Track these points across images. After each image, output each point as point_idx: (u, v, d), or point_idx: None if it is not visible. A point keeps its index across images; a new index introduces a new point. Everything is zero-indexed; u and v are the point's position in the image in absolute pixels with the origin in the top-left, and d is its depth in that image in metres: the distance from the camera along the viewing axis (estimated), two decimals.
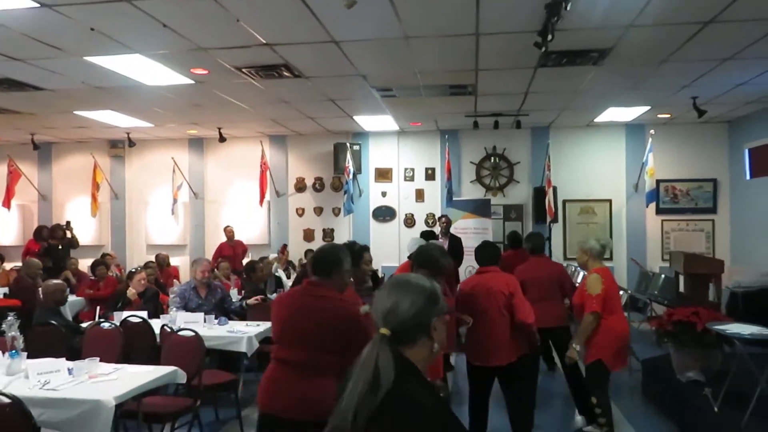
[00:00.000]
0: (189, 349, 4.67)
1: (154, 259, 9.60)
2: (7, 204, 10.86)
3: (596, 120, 9.55)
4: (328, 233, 10.94)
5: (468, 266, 8.93)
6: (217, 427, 5.22)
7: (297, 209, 11.07)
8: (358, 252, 3.68)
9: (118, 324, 5.25)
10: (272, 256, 9.78)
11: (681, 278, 7.25)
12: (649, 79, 6.91)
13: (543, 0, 4.41)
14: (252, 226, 10.98)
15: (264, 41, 5.41)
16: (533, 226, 10.04)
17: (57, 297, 5.54)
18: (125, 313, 5.71)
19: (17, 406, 3.10)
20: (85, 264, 9.68)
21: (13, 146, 11.24)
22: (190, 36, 5.25)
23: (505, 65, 6.35)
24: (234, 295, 7.08)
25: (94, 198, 10.95)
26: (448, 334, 3.01)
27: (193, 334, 4.75)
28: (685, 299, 6.73)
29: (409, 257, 5.82)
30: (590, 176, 10.23)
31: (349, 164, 9.83)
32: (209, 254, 10.25)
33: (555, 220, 9.50)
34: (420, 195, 10.74)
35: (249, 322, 6.13)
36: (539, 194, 9.86)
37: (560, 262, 7.95)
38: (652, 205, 9.69)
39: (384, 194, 10.82)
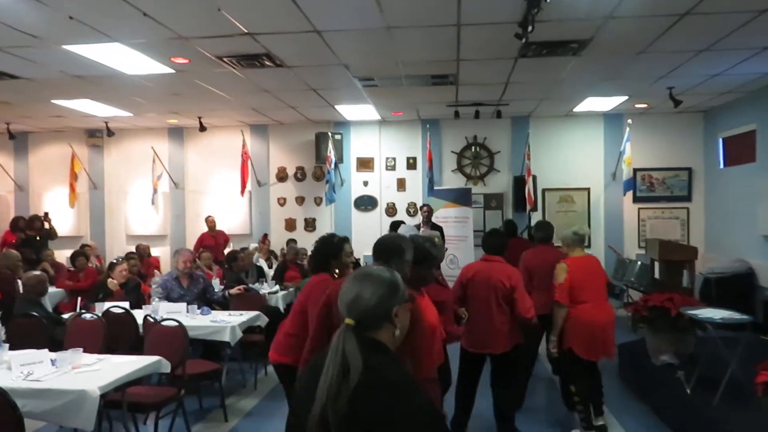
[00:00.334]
0: (172, 338, 4.68)
1: (134, 250, 9.54)
2: None
3: (575, 110, 9.67)
4: (310, 223, 10.96)
5: (450, 254, 9.02)
6: (201, 416, 5.25)
7: (278, 199, 11.06)
8: (337, 244, 3.71)
9: (100, 315, 5.24)
10: (253, 245, 9.78)
11: (656, 265, 7.42)
12: (627, 70, 7.01)
13: None
14: (233, 216, 10.96)
15: (245, 30, 5.39)
16: (513, 214, 10.16)
17: (39, 289, 5.50)
18: (107, 304, 5.69)
19: (2, 396, 3.11)
20: (63, 255, 9.59)
21: None
22: (170, 25, 5.21)
23: (486, 55, 6.41)
24: (216, 285, 7.09)
25: (72, 188, 10.82)
26: (449, 324, 3.06)
27: (176, 323, 4.76)
28: (660, 285, 6.90)
29: None
30: (569, 165, 10.37)
31: (331, 154, 9.83)
32: (190, 244, 10.20)
33: (534, 208, 9.62)
34: (401, 184, 10.80)
35: (232, 312, 6.15)
36: (519, 183, 9.98)
37: None
38: (629, 194, 9.89)
39: (366, 184, 10.85)
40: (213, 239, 10.03)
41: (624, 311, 7.71)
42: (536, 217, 9.77)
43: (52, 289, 7.69)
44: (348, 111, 9.68)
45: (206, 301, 6.33)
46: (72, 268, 8.46)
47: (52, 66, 6.51)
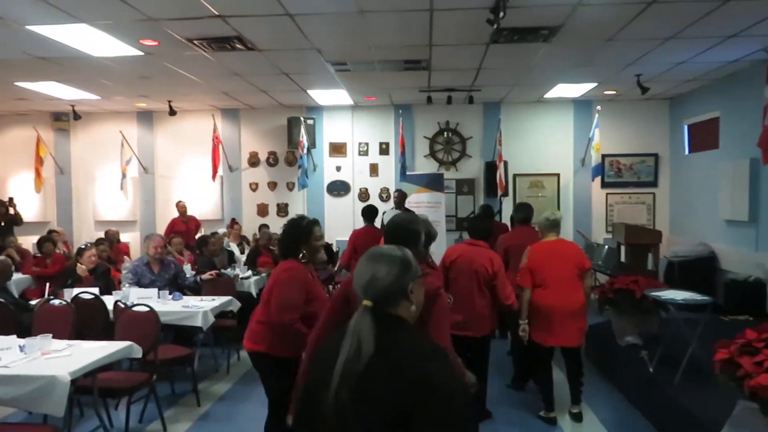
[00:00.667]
0: (144, 323, 4.65)
1: (103, 235, 9.40)
2: None
3: (546, 96, 9.78)
4: (283, 208, 10.92)
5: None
6: (174, 401, 5.25)
7: (250, 184, 10.99)
8: (306, 227, 3.59)
9: (69, 301, 5.18)
10: (222, 230, 9.71)
11: (623, 249, 7.61)
12: (596, 57, 7.12)
13: None
14: (205, 202, 10.86)
15: (216, 12, 5.32)
16: (485, 199, 10.27)
17: (4, 274, 5.41)
18: (76, 290, 5.62)
19: None
20: (29, 241, 9.40)
21: None
22: (139, 6, 5.11)
23: (458, 41, 6.44)
24: (188, 270, 7.04)
25: (38, 173, 10.61)
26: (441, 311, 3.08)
27: (147, 309, 4.73)
28: (626, 268, 7.09)
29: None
30: (540, 151, 10.50)
31: (303, 139, 9.80)
32: (161, 230, 10.09)
33: (506, 193, 9.74)
34: (374, 169, 10.81)
35: (204, 297, 6.14)
36: (491, 168, 10.08)
37: None
38: (598, 179, 10.07)
39: (338, 169, 10.84)
40: (184, 225, 9.94)
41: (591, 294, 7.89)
42: (507, 203, 9.91)
43: (18, 276, 7.58)
44: (320, 96, 9.63)
45: (178, 286, 6.30)
46: (38, 254, 8.30)
47: (15, 47, 6.33)
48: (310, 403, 1.65)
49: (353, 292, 2.65)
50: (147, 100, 9.88)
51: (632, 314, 5.55)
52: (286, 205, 10.92)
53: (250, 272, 7.69)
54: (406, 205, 8.91)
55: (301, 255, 3.51)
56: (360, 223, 7.69)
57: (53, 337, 4.10)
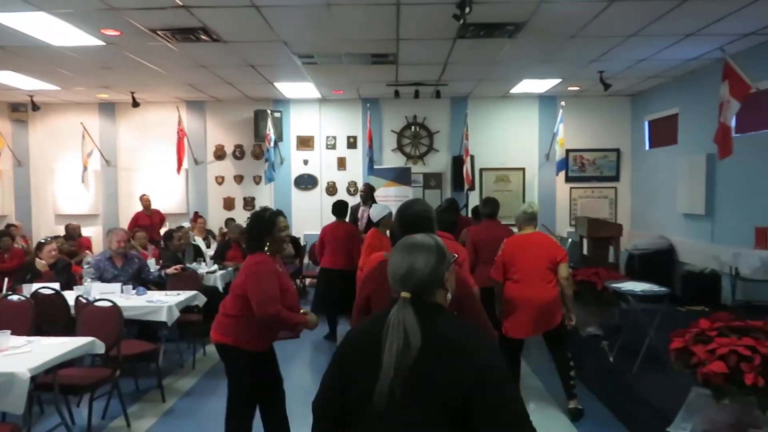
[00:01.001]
0: (106, 319, 4.57)
1: (63, 229, 9.18)
2: None
3: (512, 91, 9.91)
4: (249, 202, 10.82)
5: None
6: (138, 397, 5.17)
7: (216, 177, 10.86)
8: (269, 219, 3.50)
9: (28, 296, 5.05)
10: (186, 224, 9.56)
11: (585, 242, 7.77)
12: (560, 53, 7.24)
13: None
14: (169, 195, 10.69)
15: (180, 3, 5.23)
16: (452, 193, 10.37)
17: None
18: (35, 285, 5.49)
19: None
20: None
21: None
22: None
23: (425, 35, 6.47)
24: (152, 264, 6.93)
25: None
26: None
27: (110, 304, 4.65)
28: (589, 261, 7.24)
29: (376, 225, 5.91)
30: (505, 145, 10.63)
31: (270, 132, 9.72)
32: (124, 224, 9.91)
33: (472, 188, 9.85)
34: (342, 163, 10.80)
35: (168, 292, 6.05)
36: (457, 163, 10.17)
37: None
38: (562, 174, 10.26)
39: (306, 162, 10.79)
40: (148, 218, 9.78)
41: None
42: (474, 197, 10.02)
43: None
44: (287, 88, 9.56)
45: (141, 281, 6.20)
46: None
47: None
48: (354, 400, 1.63)
49: (374, 288, 2.64)
50: (109, 91, 9.67)
51: (593, 305, 5.69)
52: (253, 198, 10.83)
53: (215, 266, 7.61)
54: (376, 199, 8.93)
55: (266, 247, 3.50)
56: (328, 217, 7.66)
57: (12, 334, 4.00)
